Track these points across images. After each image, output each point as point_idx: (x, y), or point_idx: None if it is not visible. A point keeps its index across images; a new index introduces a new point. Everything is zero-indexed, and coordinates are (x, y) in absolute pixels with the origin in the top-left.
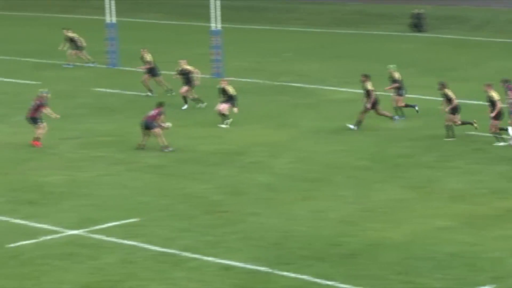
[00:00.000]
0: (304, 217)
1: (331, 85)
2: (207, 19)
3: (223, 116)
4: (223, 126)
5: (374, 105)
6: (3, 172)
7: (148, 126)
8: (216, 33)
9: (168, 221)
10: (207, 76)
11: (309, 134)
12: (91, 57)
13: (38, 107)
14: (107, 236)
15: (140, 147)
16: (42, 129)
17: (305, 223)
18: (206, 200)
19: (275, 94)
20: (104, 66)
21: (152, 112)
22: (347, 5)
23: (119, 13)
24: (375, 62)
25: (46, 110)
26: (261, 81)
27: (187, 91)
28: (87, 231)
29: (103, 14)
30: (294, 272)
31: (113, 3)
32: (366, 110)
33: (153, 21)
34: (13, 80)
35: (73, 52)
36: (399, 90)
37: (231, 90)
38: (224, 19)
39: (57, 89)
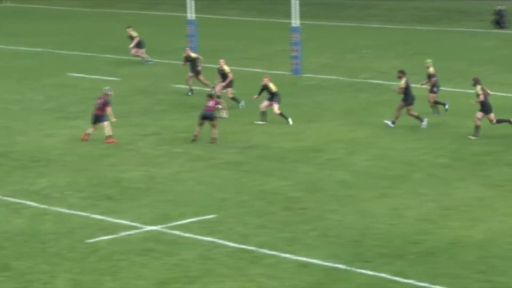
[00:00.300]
0: (382, 215)
1: (410, 82)
2: (286, 16)
3: (262, 114)
4: (260, 122)
5: (408, 102)
6: (82, 168)
7: (208, 117)
8: (295, 29)
9: (246, 218)
10: (287, 73)
11: (387, 131)
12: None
13: (103, 105)
14: (185, 232)
15: (195, 139)
16: (107, 127)
17: (383, 220)
18: (284, 196)
19: (354, 91)
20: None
21: (211, 103)
22: (428, 2)
23: (198, 9)
24: (456, 59)
25: (108, 110)
26: (340, 78)
27: (221, 89)
28: (165, 227)
29: (182, 10)
30: (372, 270)
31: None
32: (402, 106)
33: (232, 17)
34: (94, 77)
35: (134, 50)
36: (432, 87)
37: (273, 87)
38: (303, 16)
39: (136, 85)
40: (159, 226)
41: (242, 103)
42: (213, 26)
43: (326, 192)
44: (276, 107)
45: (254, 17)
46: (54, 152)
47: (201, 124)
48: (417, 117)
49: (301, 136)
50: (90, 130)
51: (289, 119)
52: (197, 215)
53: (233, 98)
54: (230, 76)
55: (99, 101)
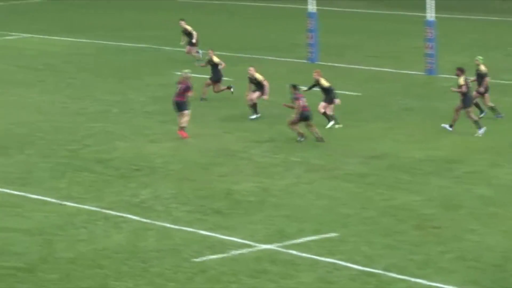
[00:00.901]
0: None
1: (469, 82)
2: (419, 8)
3: (326, 116)
4: (331, 126)
5: (466, 104)
6: (189, 178)
7: (308, 117)
8: (430, 24)
9: (371, 237)
10: (420, 73)
11: None
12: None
13: (184, 91)
14: (303, 252)
15: (301, 138)
16: (187, 117)
17: None
18: (415, 213)
19: (497, 94)
20: (303, 61)
21: (305, 101)
22: None
23: (319, 1)
24: None
25: (191, 94)
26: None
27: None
28: (281, 246)
29: (302, 2)
30: None
31: None
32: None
33: (358, 10)
34: (203, 76)
35: (187, 48)
36: (479, 86)
37: (325, 82)
38: (438, 8)
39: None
40: (274, 245)
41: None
42: (336, 20)
43: (464, 209)
44: (321, 105)
45: (381, 9)
46: (158, 160)
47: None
48: (475, 122)
49: (434, 145)
50: (182, 122)
51: (332, 123)
52: (316, 232)
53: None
54: (266, 84)
55: (179, 87)
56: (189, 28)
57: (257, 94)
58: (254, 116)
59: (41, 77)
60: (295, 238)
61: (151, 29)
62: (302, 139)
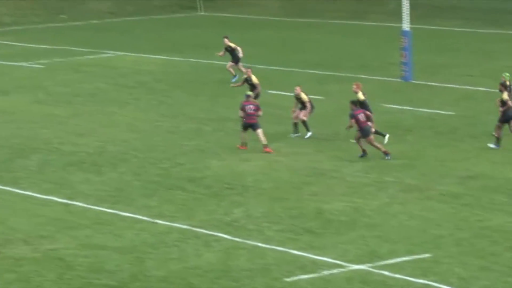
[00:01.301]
0: None
1: None
2: None
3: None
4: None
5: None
6: (280, 197)
7: (368, 133)
8: None
9: (465, 258)
10: None
11: None
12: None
13: (255, 111)
14: (395, 272)
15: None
16: (261, 134)
17: None
18: (510, 235)
19: None
20: (397, 79)
21: (363, 116)
22: None
23: (414, 19)
24: None
25: (260, 112)
26: None
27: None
28: (373, 266)
29: (396, 21)
30: None
31: (407, 8)
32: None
33: (453, 28)
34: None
35: (230, 63)
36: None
37: (361, 95)
38: None
39: (343, 104)
40: (366, 265)
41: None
42: (430, 38)
43: None
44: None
45: (477, 28)
46: (250, 178)
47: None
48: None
49: None
50: (262, 140)
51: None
52: (409, 253)
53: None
54: (308, 106)
55: (248, 107)
56: (232, 45)
57: (302, 113)
58: (296, 135)
59: (134, 95)
60: (387, 259)
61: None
62: (364, 155)
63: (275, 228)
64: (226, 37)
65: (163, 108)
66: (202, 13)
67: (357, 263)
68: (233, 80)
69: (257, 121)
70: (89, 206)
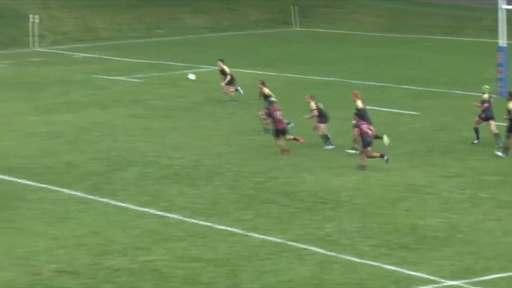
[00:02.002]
0: None
1: None
2: None
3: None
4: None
5: None
6: (374, 212)
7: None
8: None
9: None
10: None
11: None
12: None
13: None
14: None
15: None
16: (289, 136)
17: None
18: None
19: None
20: (493, 95)
21: (366, 127)
22: None
23: (509, 35)
24: None
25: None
26: None
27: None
28: (467, 283)
29: (493, 36)
30: None
31: (504, 23)
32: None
33: None
34: (390, 110)
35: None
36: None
37: (360, 103)
38: None
39: (438, 120)
40: (461, 281)
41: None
42: None
43: None
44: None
45: None
46: (343, 193)
47: None
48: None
49: None
50: (281, 143)
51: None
52: (504, 270)
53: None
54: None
55: (276, 113)
56: (226, 68)
57: (323, 125)
58: (330, 147)
59: (229, 109)
60: (482, 275)
61: (337, 63)
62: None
63: (369, 243)
64: (221, 60)
65: (256, 122)
66: (297, 28)
67: (452, 279)
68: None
69: (286, 125)
70: (184, 218)
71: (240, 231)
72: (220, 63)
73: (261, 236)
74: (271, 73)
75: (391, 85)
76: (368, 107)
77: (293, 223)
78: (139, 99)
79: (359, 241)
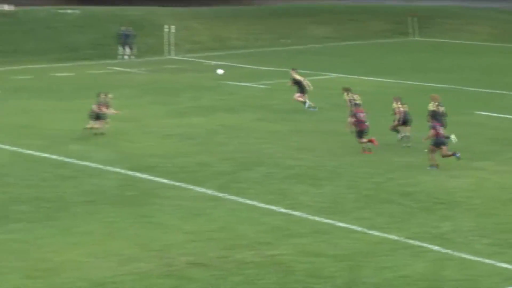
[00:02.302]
0: None
1: None
2: None
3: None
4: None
5: None
6: (489, 213)
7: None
8: None
9: None
10: None
11: None
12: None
13: (365, 117)
14: None
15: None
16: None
17: None
18: None
19: None
20: None
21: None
22: None
23: None
24: None
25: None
26: None
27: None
28: None
29: None
30: None
31: None
32: None
33: None
34: (503, 116)
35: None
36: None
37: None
38: None
39: None
40: None
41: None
42: None
43: None
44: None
45: None
46: (459, 194)
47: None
48: None
49: None
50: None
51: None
52: None
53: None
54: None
55: (359, 115)
56: (298, 77)
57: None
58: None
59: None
60: None
61: (452, 72)
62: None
63: (484, 241)
64: (294, 69)
65: (376, 128)
66: (416, 38)
67: None
68: (306, 107)
69: (367, 126)
70: (307, 216)
71: (360, 229)
72: (293, 72)
73: (380, 234)
74: (390, 80)
75: (506, 92)
76: (483, 112)
77: (410, 222)
78: (265, 104)
79: (474, 239)
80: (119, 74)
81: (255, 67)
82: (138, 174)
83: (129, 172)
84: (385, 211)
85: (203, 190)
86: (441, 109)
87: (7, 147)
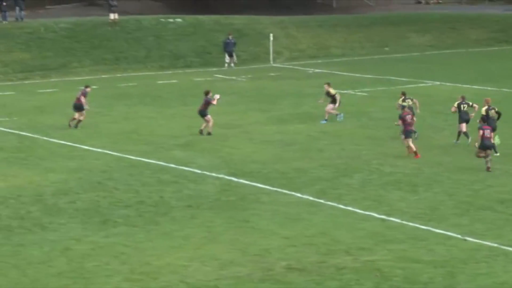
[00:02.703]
0: None
1: None
2: None
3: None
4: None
5: None
6: None
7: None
8: None
9: None
10: None
11: None
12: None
13: (412, 119)
14: None
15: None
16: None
17: None
18: None
19: None
20: None
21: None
22: None
23: None
24: None
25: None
26: None
27: None
28: None
29: None
30: None
31: None
32: None
33: None
34: None
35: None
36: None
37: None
38: None
39: None
40: None
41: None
42: None
43: None
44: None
45: None
46: None
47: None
48: None
49: None
50: (411, 144)
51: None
52: None
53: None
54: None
55: (408, 117)
56: (332, 91)
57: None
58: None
59: (449, 121)
60: None
61: None
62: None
63: None
64: (328, 83)
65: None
66: None
67: None
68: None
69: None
70: (405, 222)
71: (457, 235)
72: (326, 86)
73: (477, 241)
74: (491, 88)
75: None
76: None
77: (508, 229)
78: (365, 110)
79: None
80: (222, 81)
81: (355, 74)
82: (238, 180)
83: (229, 178)
84: (482, 218)
85: (302, 195)
86: (492, 112)
87: (111, 152)
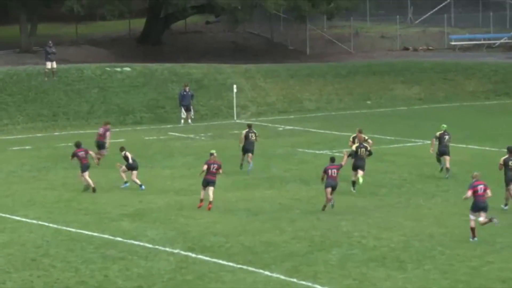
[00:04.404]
0: None
1: None
2: None
3: None
4: None
5: None
6: None
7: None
8: None
9: None
10: None
11: None
12: None
13: None
14: None
15: None
16: None
17: None
18: None
19: None
20: None
21: None
22: None
23: None
24: None
25: None
26: None
27: None
28: None
29: None
30: None
31: None
32: None
33: None
34: None
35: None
36: None
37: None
38: None
39: None
40: None
41: None
42: None
43: None
44: None
45: None
46: None
47: None
48: None
49: None
50: None
51: None
52: None
53: None
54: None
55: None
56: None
57: None
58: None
59: (442, 186)
60: None
61: None
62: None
63: None
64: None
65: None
66: None
67: None
68: None
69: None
70: None
71: None
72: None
73: None
74: (489, 148)
75: None
76: None
77: None
78: (344, 174)
79: None
80: (177, 140)
81: (332, 132)
82: (196, 255)
83: (186, 253)
84: None
85: (270, 274)
86: (362, 150)
87: (47, 224)
